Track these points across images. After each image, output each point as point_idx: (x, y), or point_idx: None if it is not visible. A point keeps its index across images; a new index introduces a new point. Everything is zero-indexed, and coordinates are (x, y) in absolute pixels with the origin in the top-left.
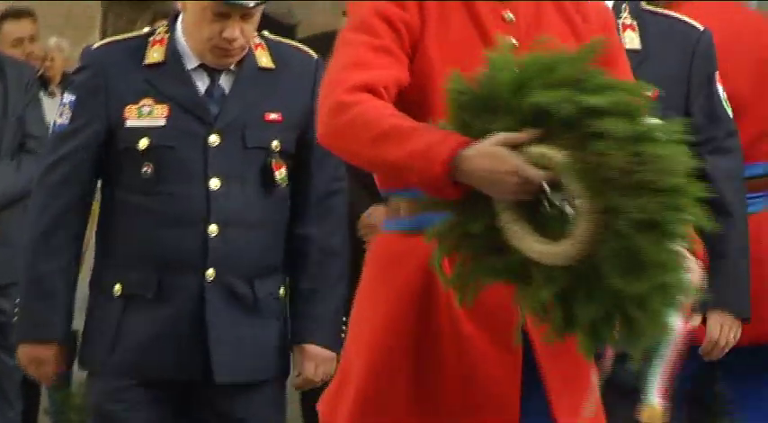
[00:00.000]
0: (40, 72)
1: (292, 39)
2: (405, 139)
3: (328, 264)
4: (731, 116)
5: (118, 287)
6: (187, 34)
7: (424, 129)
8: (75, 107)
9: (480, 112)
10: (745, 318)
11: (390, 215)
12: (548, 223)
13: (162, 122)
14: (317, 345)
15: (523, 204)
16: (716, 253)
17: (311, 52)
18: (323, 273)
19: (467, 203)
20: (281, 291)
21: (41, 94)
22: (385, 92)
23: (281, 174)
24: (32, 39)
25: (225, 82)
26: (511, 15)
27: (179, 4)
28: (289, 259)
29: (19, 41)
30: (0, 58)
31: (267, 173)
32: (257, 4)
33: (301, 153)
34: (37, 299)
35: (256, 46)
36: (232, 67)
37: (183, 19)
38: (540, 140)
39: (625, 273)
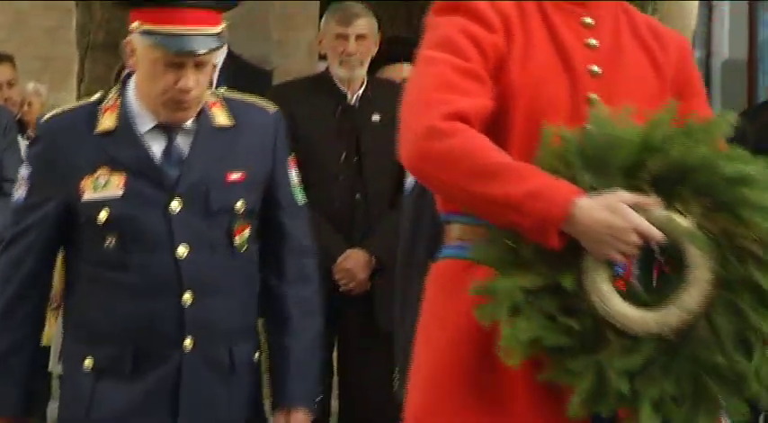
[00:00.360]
0: (18, 116)
1: (269, 84)
2: (515, 179)
3: (306, 324)
4: None
5: (88, 362)
6: (141, 93)
7: (534, 170)
8: (31, 181)
9: (583, 166)
10: None
11: (451, 240)
12: (635, 290)
13: (119, 193)
14: (294, 407)
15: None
16: None
17: (269, 106)
18: (301, 333)
19: (546, 256)
20: (257, 356)
21: (19, 138)
22: (475, 121)
23: (241, 237)
24: (11, 84)
25: (182, 142)
26: (594, 41)
27: (131, 62)
28: (267, 316)
29: None
30: None
31: (231, 237)
32: (209, 52)
33: (271, 212)
34: None
35: (212, 104)
36: (188, 125)
37: (135, 79)
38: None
39: (728, 349)
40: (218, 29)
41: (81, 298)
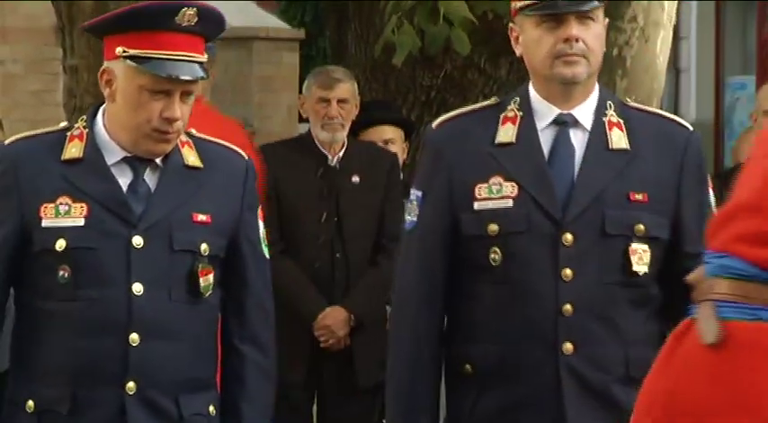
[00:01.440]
0: None
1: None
2: None
3: (262, 390)
4: None
5: (31, 403)
6: (114, 124)
7: None
8: None
9: None
10: None
11: None
12: None
13: (80, 222)
14: None
15: None
16: None
17: (241, 152)
18: (256, 399)
19: None
20: (212, 409)
21: None
22: None
23: (206, 281)
24: None
25: (149, 178)
26: None
27: (106, 92)
28: (223, 370)
29: None
30: None
31: (193, 279)
32: (198, 79)
33: (234, 261)
34: None
35: (183, 143)
36: (158, 161)
37: (107, 110)
38: None
39: None
40: (204, 58)
41: (27, 335)
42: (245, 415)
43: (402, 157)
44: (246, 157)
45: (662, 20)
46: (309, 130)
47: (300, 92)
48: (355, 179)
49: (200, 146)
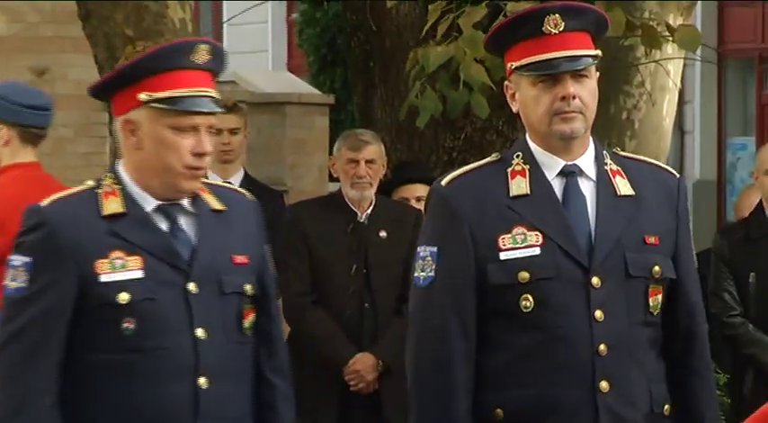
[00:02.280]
0: None
1: (282, 204)
2: None
3: (289, 413)
4: None
5: None
6: (145, 171)
7: None
8: (33, 269)
9: None
10: None
11: None
12: None
13: (139, 274)
14: None
15: None
16: None
17: (246, 193)
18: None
19: None
20: None
21: None
22: None
23: (249, 321)
24: None
25: (184, 223)
26: None
27: (130, 142)
28: (258, 405)
29: None
30: None
31: (241, 320)
32: (219, 113)
33: (260, 298)
34: None
35: (201, 190)
36: (186, 204)
37: (132, 160)
38: None
39: None
40: (216, 94)
41: (85, 392)
42: None
43: None
44: (252, 198)
45: (668, 85)
46: (340, 189)
47: (331, 153)
48: (383, 234)
49: (215, 190)
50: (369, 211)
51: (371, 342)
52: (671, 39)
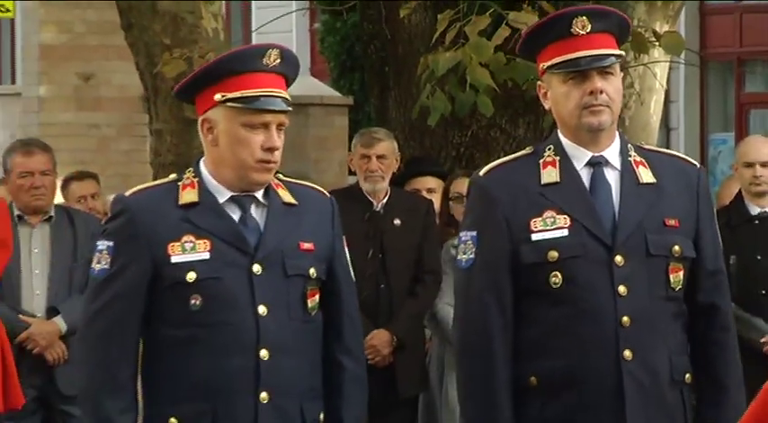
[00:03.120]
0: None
1: None
2: None
3: (358, 397)
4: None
5: (173, 420)
6: (221, 165)
7: None
8: (115, 252)
9: None
10: None
11: None
12: None
13: (206, 255)
14: None
15: None
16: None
17: (325, 192)
18: (354, 404)
19: None
20: (321, 416)
21: None
22: None
23: (313, 302)
24: (95, 196)
25: (255, 213)
26: None
27: (208, 139)
28: (324, 380)
29: (83, 198)
30: (70, 211)
31: (305, 300)
32: (288, 111)
33: (330, 283)
34: None
35: (276, 185)
36: (260, 197)
37: (210, 156)
38: None
39: None
40: (288, 95)
41: (160, 363)
42: (345, 418)
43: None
44: (329, 195)
45: (655, 86)
46: (357, 182)
47: (350, 150)
48: (397, 222)
49: (291, 187)
50: (384, 200)
51: (387, 320)
52: (657, 44)
